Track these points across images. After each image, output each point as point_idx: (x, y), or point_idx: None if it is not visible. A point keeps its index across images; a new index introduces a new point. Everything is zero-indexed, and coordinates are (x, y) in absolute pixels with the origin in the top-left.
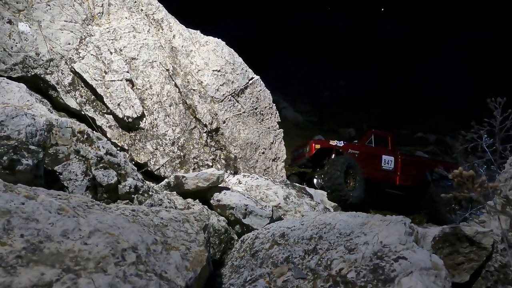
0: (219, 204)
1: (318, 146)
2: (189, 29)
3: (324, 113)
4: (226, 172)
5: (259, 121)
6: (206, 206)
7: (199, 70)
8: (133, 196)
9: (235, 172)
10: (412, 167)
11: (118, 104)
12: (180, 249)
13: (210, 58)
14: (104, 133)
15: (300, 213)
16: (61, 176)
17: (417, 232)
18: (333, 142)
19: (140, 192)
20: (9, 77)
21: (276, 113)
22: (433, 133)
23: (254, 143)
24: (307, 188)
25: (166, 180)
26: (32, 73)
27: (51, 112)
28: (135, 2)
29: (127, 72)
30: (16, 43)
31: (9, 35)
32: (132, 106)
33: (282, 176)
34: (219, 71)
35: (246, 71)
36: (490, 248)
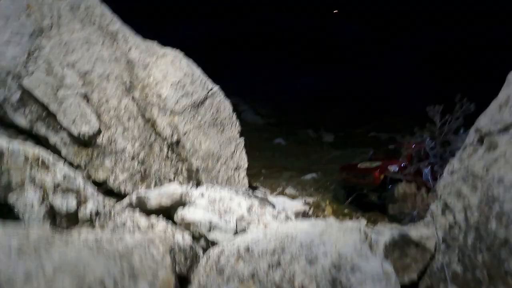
0: (183, 221)
1: (382, 177)
2: (146, 41)
3: (284, 115)
4: (189, 184)
5: (220, 131)
6: (170, 221)
7: (157, 83)
8: (94, 220)
9: (198, 184)
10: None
11: (73, 121)
12: (147, 277)
13: (169, 71)
14: (58, 152)
15: (263, 223)
16: (16, 206)
17: (371, 238)
18: (390, 168)
19: (102, 216)
20: None
21: (236, 122)
22: (387, 132)
23: (216, 154)
24: (269, 197)
25: (127, 199)
26: None
27: None
28: (87, 14)
29: (82, 86)
30: None
31: None
32: (88, 122)
33: (244, 185)
34: (178, 83)
35: (205, 82)
36: (433, 250)
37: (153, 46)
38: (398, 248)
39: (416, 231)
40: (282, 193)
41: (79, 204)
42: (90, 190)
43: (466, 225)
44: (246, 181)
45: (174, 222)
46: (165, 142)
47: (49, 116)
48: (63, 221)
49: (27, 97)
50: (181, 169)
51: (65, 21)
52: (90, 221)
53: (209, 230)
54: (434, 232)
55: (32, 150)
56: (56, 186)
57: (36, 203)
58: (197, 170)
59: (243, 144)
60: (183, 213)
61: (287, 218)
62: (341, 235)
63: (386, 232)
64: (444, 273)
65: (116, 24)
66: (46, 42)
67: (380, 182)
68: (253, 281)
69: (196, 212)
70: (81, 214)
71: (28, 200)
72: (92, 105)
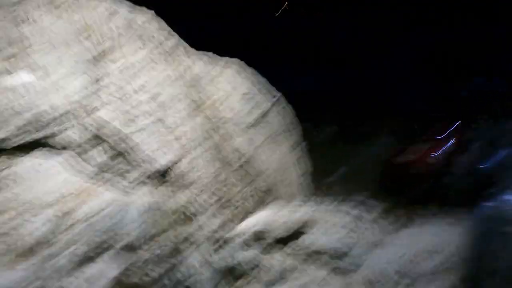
0: (307, 252)
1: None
2: (205, 52)
3: None
4: (265, 200)
5: (286, 138)
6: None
7: (227, 96)
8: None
9: (275, 198)
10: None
11: (155, 150)
12: None
13: (237, 81)
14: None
15: (372, 235)
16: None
17: None
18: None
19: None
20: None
21: (299, 127)
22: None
23: (286, 163)
24: (367, 200)
25: (242, 237)
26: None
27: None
28: (145, 29)
29: (157, 111)
30: (23, 96)
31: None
32: (171, 150)
33: (311, 190)
34: (248, 93)
35: (270, 89)
36: None
37: (214, 57)
38: None
39: None
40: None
41: None
42: None
43: None
44: (312, 186)
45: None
46: (242, 159)
47: (126, 151)
48: None
49: (103, 133)
50: (257, 186)
51: (125, 40)
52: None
53: (340, 257)
54: None
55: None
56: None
57: (197, 265)
58: (273, 183)
59: (306, 149)
60: (306, 241)
61: None
62: None
63: None
64: None
65: (174, 38)
66: (112, 65)
67: (428, 169)
68: None
69: (323, 239)
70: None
71: (192, 263)
72: (170, 130)
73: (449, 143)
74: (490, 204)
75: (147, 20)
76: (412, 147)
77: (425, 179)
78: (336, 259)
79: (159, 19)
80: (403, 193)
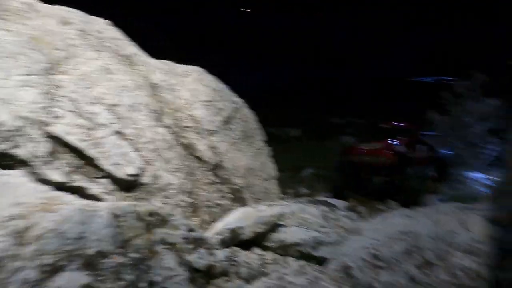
0: (282, 245)
1: (396, 156)
2: (164, 61)
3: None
4: (235, 205)
5: (250, 144)
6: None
7: (189, 104)
8: (229, 272)
9: (243, 203)
10: (426, 150)
11: (115, 163)
12: None
13: (197, 89)
14: (100, 201)
15: (342, 228)
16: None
17: None
18: (401, 149)
19: (235, 266)
20: None
21: (261, 132)
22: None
23: (252, 168)
24: (329, 200)
25: (218, 236)
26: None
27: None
28: (100, 39)
29: (115, 123)
30: None
31: None
32: (132, 161)
33: (277, 194)
34: (209, 101)
35: (231, 96)
36: None
37: (173, 65)
38: None
39: None
40: (298, 195)
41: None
42: (208, 237)
43: None
44: (278, 189)
45: (264, 249)
46: (207, 166)
47: (87, 164)
48: (199, 279)
49: (59, 146)
50: (226, 192)
51: (80, 50)
52: (224, 272)
53: (314, 247)
54: None
55: (144, 206)
56: (187, 242)
57: (175, 266)
58: (241, 188)
59: (270, 153)
60: (280, 236)
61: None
62: None
63: None
64: None
65: (131, 46)
66: (65, 77)
67: (393, 163)
68: None
69: (295, 231)
70: (216, 268)
71: (166, 265)
72: (130, 141)
73: (401, 141)
74: (443, 195)
75: (102, 29)
76: (368, 143)
77: (379, 172)
78: (312, 249)
79: (115, 27)
80: (359, 189)
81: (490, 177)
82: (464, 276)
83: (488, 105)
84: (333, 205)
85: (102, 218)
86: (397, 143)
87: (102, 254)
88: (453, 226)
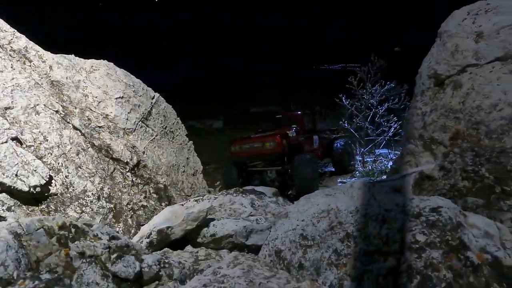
0: (214, 239)
1: (284, 142)
2: (66, 55)
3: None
4: (161, 204)
5: (171, 139)
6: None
7: (99, 102)
8: (161, 275)
9: (169, 201)
10: (324, 140)
11: (16, 175)
12: None
13: (108, 85)
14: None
15: (270, 214)
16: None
17: None
18: (290, 134)
19: (166, 268)
20: None
21: (182, 126)
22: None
23: (175, 165)
24: (256, 188)
25: (146, 240)
26: None
27: None
28: None
29: (9, 128)
30: None
31: None
32: (35, 171)
33: (204, 188)
34: (122, 97)
35: (147, 90)
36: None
37: (77, 60)
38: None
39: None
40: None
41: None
42: (136, 243)
43: (460, 149)
44: (205, 184)
45: (194, 246)
46: (127, 167)
47: None
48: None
49: None
50: (150, 192)
51: None
52: (157, 277)
53: (247, 237)
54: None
55: (53, 220)
56: (110, 251)
57: (100, 280)
58: (165, 187)
59: (193, 148)
60: (212, 230)
61: (283, 201)
62: None
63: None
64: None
65: (22, 40)
66: None
67: (283, 150)
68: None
69: (226, 223)
70: (146, 274)
71: (90, 280)
72: (30, 148)
73: (297, 129)
74: (357, 172)
75: None
76: (259, 133)
77: (270, 161)
78: (244, 239)
79: None
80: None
81: (393, 151)
82: (378, 242)
83: (388, 87)
84: (262, 193)
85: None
86: (292, 131)
87: (6, 282)
88: (366, 199)
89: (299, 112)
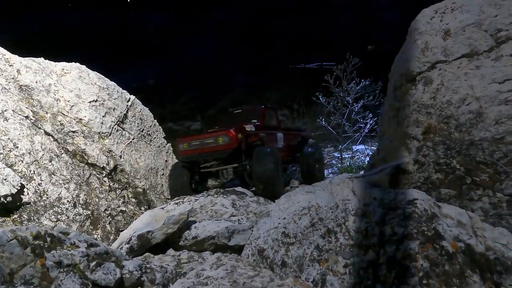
0: (196, 241)
1: (240, 136)
2: (34, 58)
3: None
4: (140, 209)
5: (149, 142)
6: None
7: (72, 106)
8: (143, 281)
9: (149, 205)
10: (291, 140)
11: None
12: None
13: (81, 88)
14: None
15: (252, 213)
16: None
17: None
18: (248, 128)
19: (148, 273)
20: None
21: (160, 129)
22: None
23: (154, 168)
24: (236, 189)
25: (126, 245)
26: None
27: None
28: None
29: None
30: None
31: None
32: (5, 180)
33: (184, 190)
34: (96, 101)
35: (121, 93)
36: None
37: (47, 63)
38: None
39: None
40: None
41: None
42: (116, 249)
43: (433, 143)
44: (184, 185)
45: (176, 249)
46: (103, 172)
47: None
48: None
49: None
50: (128, 196)
51: None
52: (139, 283)
53: (229, 238)
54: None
55: (27, 230)
56: (88, 259)
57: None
58: (144, 190)
59: (171, 150)
60: (193, 233)
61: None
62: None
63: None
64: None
65: None
66: None
67: (238, 145)
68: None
69: (207, 225)
70: (127, 280)
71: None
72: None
73: (256, 125)
74: (336, 168)
75: None
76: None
77: (224, 159)
78: (226, 240)
79: None
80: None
81: (369, 147)
82: (358, 236)
83: (363, 84)
84: (243, 193)
85: None
86: (251, 126)
87: None
88: (345, 194)
89: (261, 106)
